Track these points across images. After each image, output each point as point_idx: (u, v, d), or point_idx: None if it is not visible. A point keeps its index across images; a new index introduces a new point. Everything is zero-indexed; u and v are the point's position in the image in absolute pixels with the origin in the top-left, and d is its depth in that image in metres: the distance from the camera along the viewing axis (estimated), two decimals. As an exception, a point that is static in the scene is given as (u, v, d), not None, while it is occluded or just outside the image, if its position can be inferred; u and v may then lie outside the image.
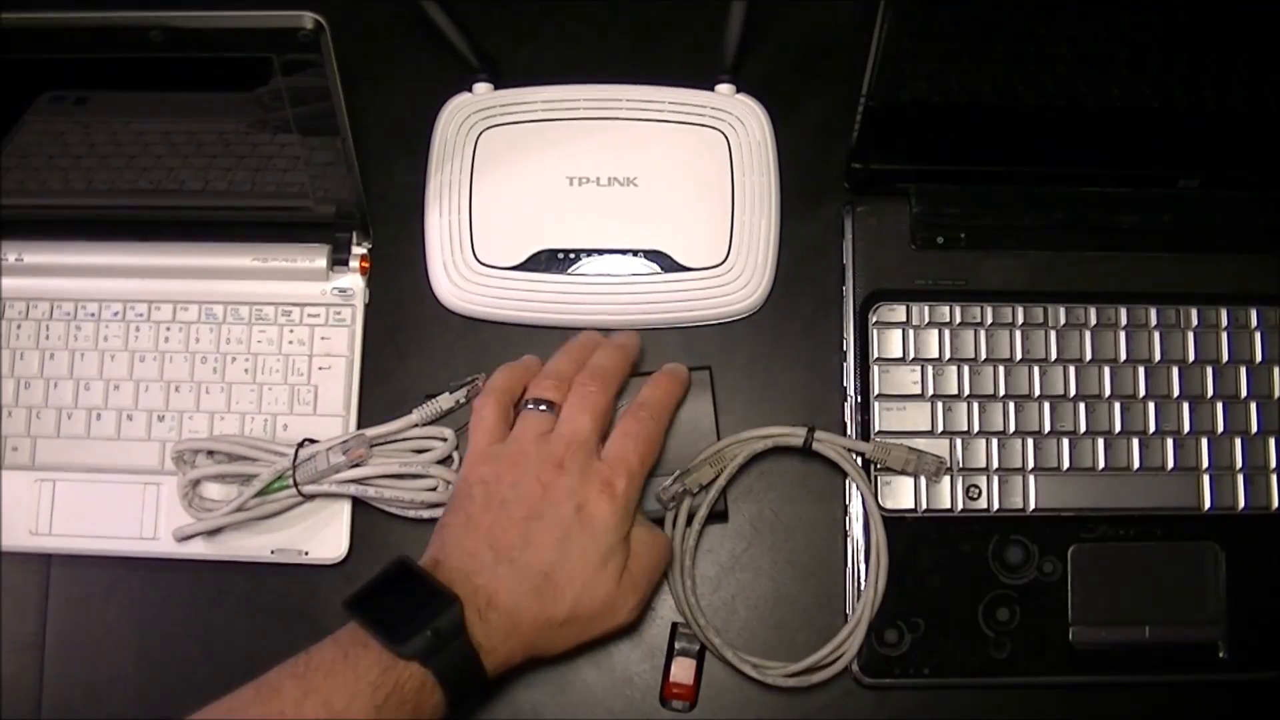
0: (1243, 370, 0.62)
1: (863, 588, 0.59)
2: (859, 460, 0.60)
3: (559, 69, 0.67)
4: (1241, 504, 0.61)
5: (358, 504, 0.61)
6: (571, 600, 0.51)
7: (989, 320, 0.62)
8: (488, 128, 0.64)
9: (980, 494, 0.61)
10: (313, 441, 0.59)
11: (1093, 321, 0.62)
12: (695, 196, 0.63)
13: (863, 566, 0.59)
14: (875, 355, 0.62)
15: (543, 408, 0.54)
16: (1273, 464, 0.61)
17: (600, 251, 0.62)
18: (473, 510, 0.52)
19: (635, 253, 0.62)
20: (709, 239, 0.62)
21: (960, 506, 0.60)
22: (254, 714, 0.46)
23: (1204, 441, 0.61)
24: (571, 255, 0.62)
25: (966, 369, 0.62)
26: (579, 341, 0.59)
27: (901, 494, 0.60)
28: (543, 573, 0.51)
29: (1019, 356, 0.62)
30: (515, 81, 0.65)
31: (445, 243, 0.63)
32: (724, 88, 0.65)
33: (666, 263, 0.62)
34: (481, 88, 0.65)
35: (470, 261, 0.62)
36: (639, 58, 0.68)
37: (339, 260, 0.63)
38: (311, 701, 0.46)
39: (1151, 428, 0.61)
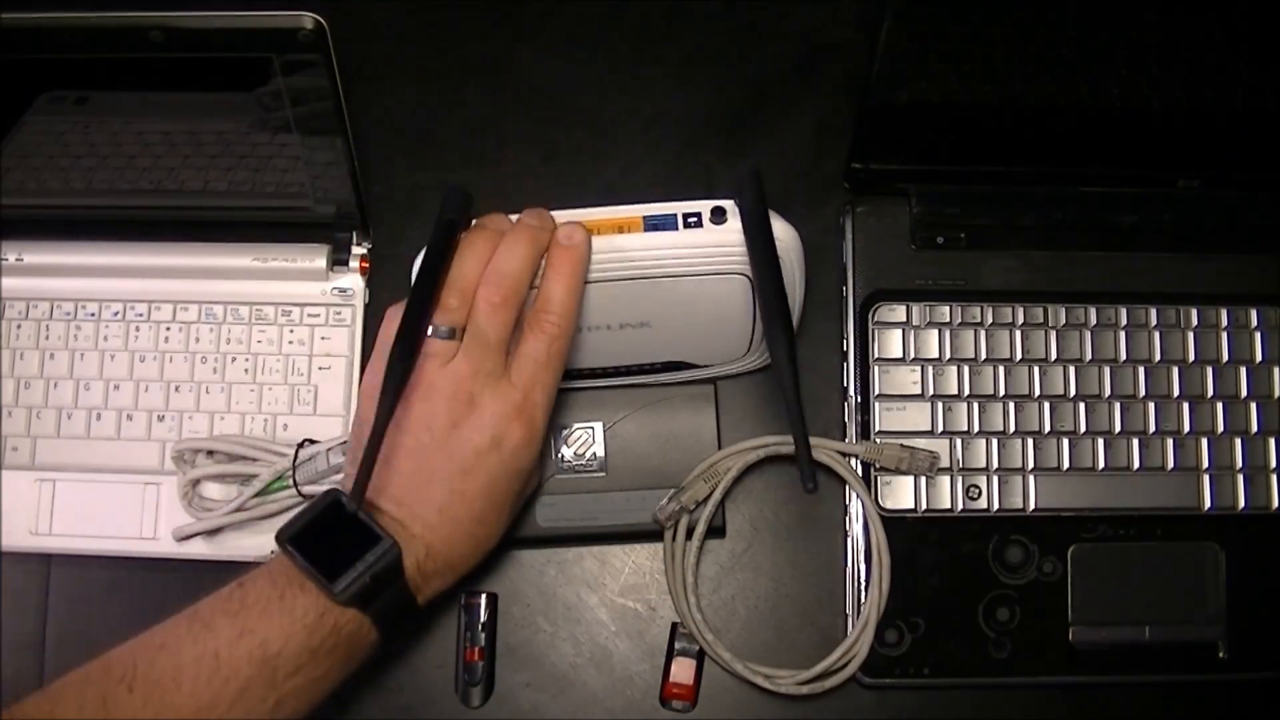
0: (1243, 370, 0.62)
1: (864, 589, 0.59)
2: (855, 461, 0.60)
3: (559, 69, 0.67)
4: (1241, 504, 0.61)
5: (358, 504, 0.61)
6: (501, 529, 0.53)
7: (989, 320, 0.62)
8: None
9: (980, 494, 0.61)
10: (313, 442, 0.59)
11: (1093, 321, 0.62)
12: (714, 329, 0.58)
13: (863, 567, 0.59)
14: (875, 355, 0.62)
15: (444, 332, 0.50)
16: (1273, 464, 0.61)
17: (615, 368, 0.60)
18: (391, 452, 0.50)
19: (653, 366, 0.60)
20: (728, 349, 0.60)
21: (960, 506, 0.61)
22: (188, 651, 0.46)
23: (1204, 441, 0.61)
24: (585, 372, 0.60)
25: (966, 369, 0.62)
26: (484, 234, 0.51)
27: (901, 494, 0.60)
28: (476, 519, 0.50)
29: (1019, 356, 0.62)
30: (514, 101, 0.64)
31: None
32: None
33: (683, 365, 0.60)
34: None
35: None
36: (640, 58, 0.68)
37: (339, 260, 0.63)
38: (246, 642, 0.46)
39: (1151, 428, 0.61)
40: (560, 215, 0.53)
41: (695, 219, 0.53)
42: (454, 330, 0.50)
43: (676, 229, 0.53)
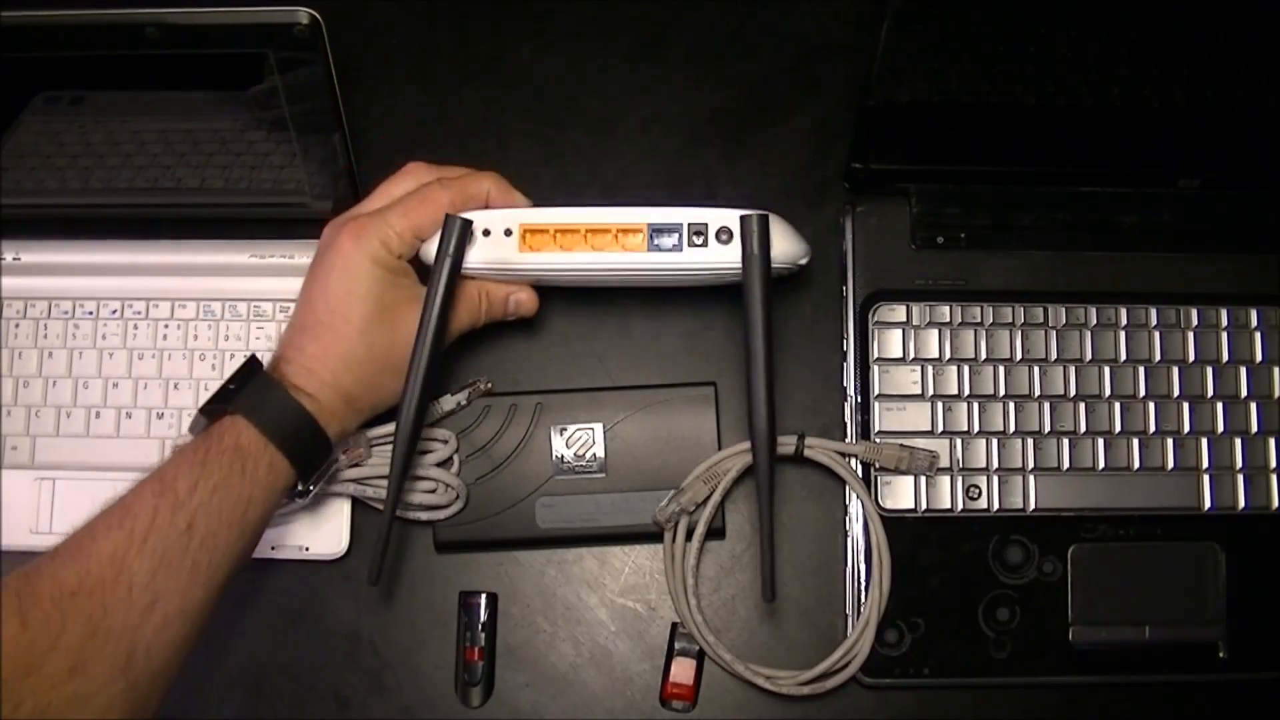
0: (1243, 370, 0.62)
1: (864, 589, 0.59)
2: (855, 461, 0.60)
3: (559, 68, 0.67)
4: (1241, 504, 0.61)
5: (358, 500, 0.61)
6: (356, 318, 0.53)
7: (989, 320, 0.62)
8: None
9: (980, 494, 0.61)
10: (312, 441, 0.59)
11: (1093, 321, 0.62)
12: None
13: (863, 567, 0.59)
14: (875, 355, 0.62)
15: None
16: (1273, 464, 0.61)
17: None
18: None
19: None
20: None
21: (960, 506, 0.60)
22: (99, 516, 0.47)
23: (1204, 441, 0.61)
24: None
25: (966, 369, 0.62)
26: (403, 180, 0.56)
27: (901, 494, 0.60)
28: (306, 304, 0.53)
29: (1019, 356, 0.62)
30: (514, 100, 0.64)
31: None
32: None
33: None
34: (471, 248, 0.55)
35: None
36: (640, 57, 0.67)
37: (338, 259, 0.63)
38: (146, 479, 0.48)
39: (1151, 428, 0.61)
40: (564, 214, 0.54)
41: (700, 236, 0.53)
42: None
43: (681, 247, 0.53)
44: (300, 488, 0.53)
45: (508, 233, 0.54)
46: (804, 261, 0.57)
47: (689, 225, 0.54)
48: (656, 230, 0.54)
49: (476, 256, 0.54)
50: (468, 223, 0.54)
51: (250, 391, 0.51)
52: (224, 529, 0.48)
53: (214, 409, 0.51)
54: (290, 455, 0.51)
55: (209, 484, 0.48)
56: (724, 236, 0.53)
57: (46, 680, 0.42)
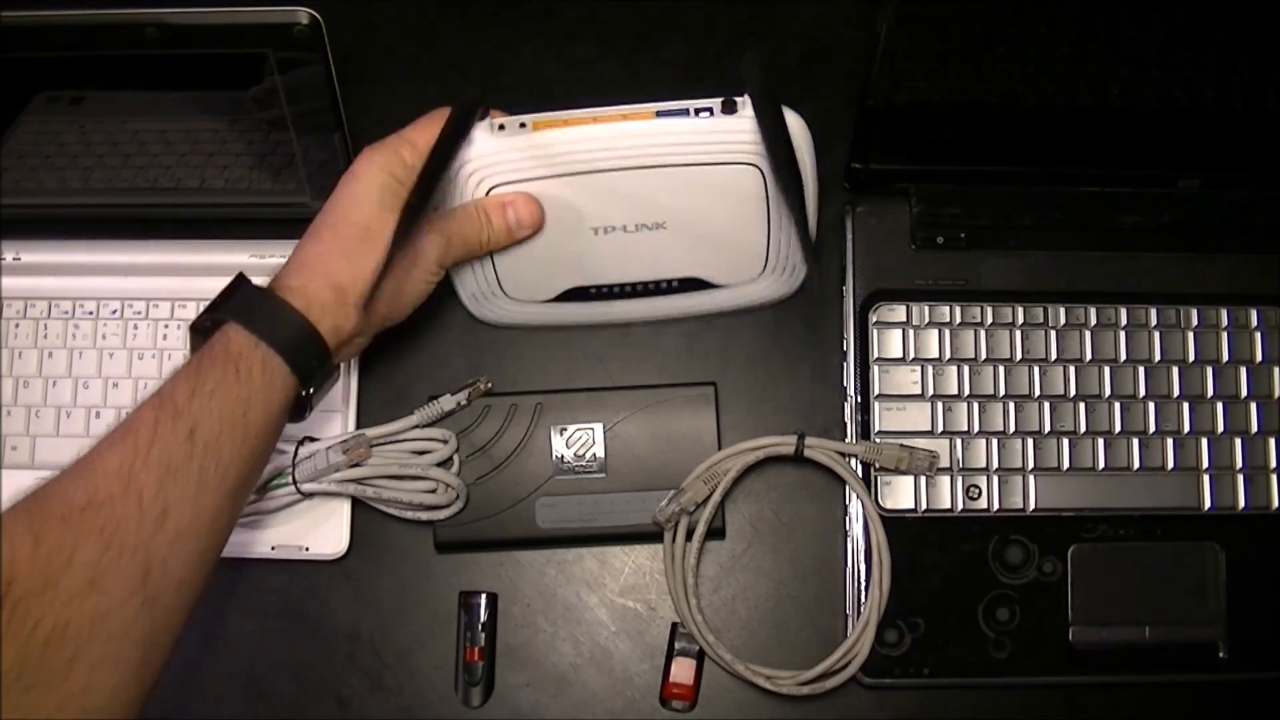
0: (1243, 370, 0.62)
1: (864, 589, 0.59)
2: (855, 462, 0.60)
3: (558, 71, 0.67)
4: (1241, 504, 0.61)
5: (358, 500, 0.61)
6: (357, 215, 0.52)
7: (989, 320, 0.62)
8: (500, 184, 0.56)
9: (980, 494, 0.61)
10: (313, 440, 0.59)
11: (1093, 321, 0.62)
12: (729, 228, 0.58)
13: (863, 567, 0.59)
14: (875, 355, 0.62)
15: None
16: (1273, 464, 0.61)
17: (633, 286, 0.61)
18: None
19: (669, 283, 0.61)
20: (744, 261, 0.60)
21: (960, 506, 0.60)
22: (114, 454, 0.46)
23: (1204, 441, 0.61)
24: (604, 290, 0.61)
25: (966, 369, 0.62)
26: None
27: (901, 494, 0.60)
28: (316, 218, 0.53)
29: (1019, 356, 0.62)
30: (513, 102, 0.64)
31: (472, 291, 0.61)
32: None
33: (700, 284, 0.61)
34: (482, 135, 0.55)
35: (500, 297, 0.61)
36: (640, 57, 0.67)
37: (337, 259, 0.63)
38: (149, 403, 0.47)
39: (1151, 428, 0.61)
40: (571, 114, 0.55)
41: (707, 111, 0.54)
42: None
43: (688, 114, 0.54)
44: (303, 392, 0.52)
45: (522, 125, 0.55)
46: (810, 158, 0.56)
47: (694, 108, 0.54)
48: (664, 113, 0.54)
49: (489, 147, 0.55)
50: (479, 100, 0.54)
51: (237, 298, 0.51)
52: (225, 432, 0.47)
53: (204, 324, 0.51)
54: (282, 352, 0.50)
55: (205, 390, 0.47)
56: (729, 108, 0.54)
57: (64, 594, 0.41)
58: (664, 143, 0.54)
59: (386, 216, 0.52)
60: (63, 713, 0.41)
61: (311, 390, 0.52)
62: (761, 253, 0.59)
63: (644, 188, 0.56)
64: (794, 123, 0.55)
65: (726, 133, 0.54)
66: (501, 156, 0.55)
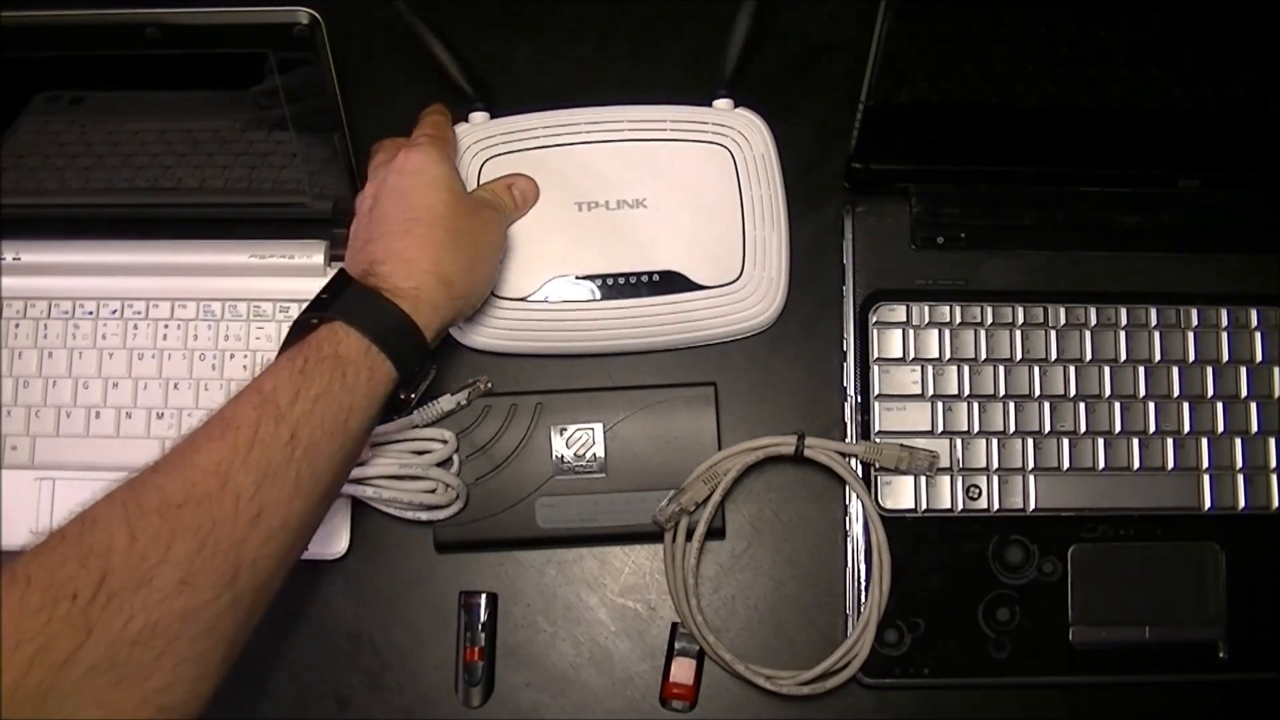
0: (1243, 370, 0.62)
1: (864, 589, 0.59)
2: (855, 461, 0.60)
3: (559, 67, 0.67)
4: (1241, 504, 0.61)
5: (358, 500, 0.61)
6: (442, 210, 0.54)
7: (989, 320, 0.62)
8: (490, 158, 0.63)
9: (980, 494, 0.61)
10: (312, 441, 0.59)
11: (1093, 321, 0.62)
12: (705, 215, 0.62)
13: (863, 567, 0.59)
14: (875, 355, 0.62)
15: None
16: (1273, 464, 0.61)
17: (614, 276, 0.61)
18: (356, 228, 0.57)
19: (650, 275, 0.61)
20: (722, 256, 0.62)
21: (960, 506, 0.60)
22: (199, 429, 0.46)
23: (1204, 441, 0.61)
24: (587, 279, 0.61)
25: (966, 369, 0.62)
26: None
27: (901, 494, 0.60)
28: (379, 221, 0.54)
29: (1019, 356, 0.62)
30: (513, 101, 0.65)
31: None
32: (722, 103, 0.64)
33: (682, 283, 0.61)
34: (478, 117, 0.64)
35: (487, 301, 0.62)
36: (637, 59, 0.67)
37: (336, 256, 0.63)
38: (245, 392, 0.47)
39: (1151, 428, 0.61)
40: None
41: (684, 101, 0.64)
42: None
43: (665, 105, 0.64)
44: (402, 396, 0.52)
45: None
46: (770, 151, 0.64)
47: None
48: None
49: (484, 129, 0.64)
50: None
51: (348, 297, 0.51)
52: (326, 439, 0.47)
53: (309, 320, 0.50)
54: (393, 356, 0.49)
55: (310, 394, 0.47)
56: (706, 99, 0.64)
57: (157, 593, 0.41)
58: (642, 119, 0.63)
59: (463, 209, 0.55)
60: (141, 711, 0.41)
61: (411, 394, 0.52)
62: (738, 246, 0.62)
63: (623, 164, 0.62)
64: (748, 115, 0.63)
65: (698, 115, 0.63)
66: (492, 130, 0.63)
